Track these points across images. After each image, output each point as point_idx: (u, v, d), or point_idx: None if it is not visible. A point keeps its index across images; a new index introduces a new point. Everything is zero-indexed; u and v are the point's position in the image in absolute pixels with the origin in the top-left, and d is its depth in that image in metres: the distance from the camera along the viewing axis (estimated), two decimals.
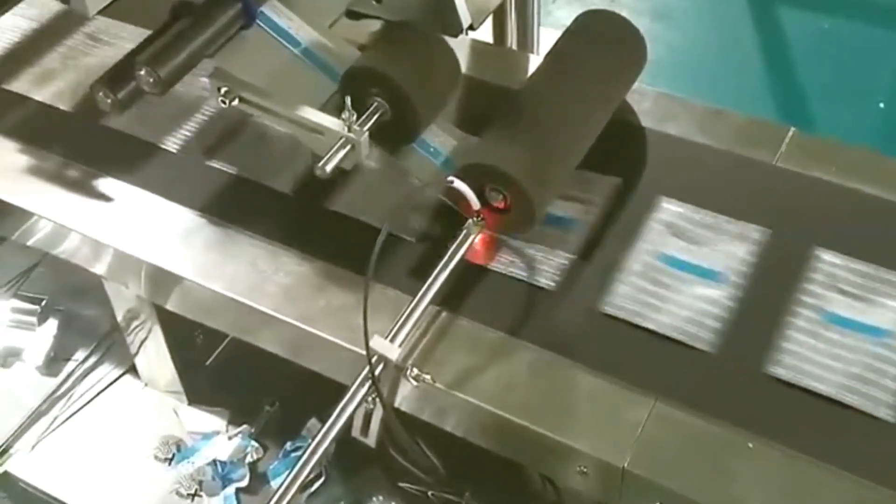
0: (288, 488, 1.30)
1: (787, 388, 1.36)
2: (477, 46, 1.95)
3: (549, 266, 1.52)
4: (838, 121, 3.20)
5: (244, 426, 1.93)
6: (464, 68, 1.67)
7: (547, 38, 2.21)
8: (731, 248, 1.52)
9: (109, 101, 1.53)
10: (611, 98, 1.64)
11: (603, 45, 1.65)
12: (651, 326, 1.43)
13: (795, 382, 1.36)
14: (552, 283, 1.50)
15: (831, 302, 1.45)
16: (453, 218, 1.51)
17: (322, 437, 1.33)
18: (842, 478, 1.26)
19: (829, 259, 1.49)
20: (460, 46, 1.71)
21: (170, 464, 1.91)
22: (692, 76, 3.39)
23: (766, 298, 1.46)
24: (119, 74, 1.52)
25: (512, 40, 2.47)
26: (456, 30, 1.59)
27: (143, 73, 1.46)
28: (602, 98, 1.62)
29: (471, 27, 1.62)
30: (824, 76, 3.45)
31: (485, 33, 2.41)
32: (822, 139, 1.72)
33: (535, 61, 1.68)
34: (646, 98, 1.77)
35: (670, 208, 1.58)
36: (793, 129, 1.70)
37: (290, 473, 1.31)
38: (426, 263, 1.48)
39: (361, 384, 1.36)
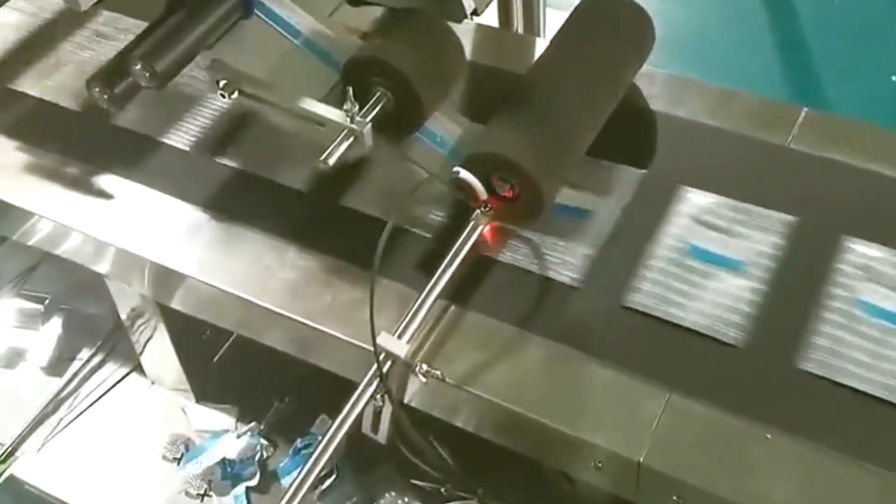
0: (299, 487, 1.28)
1: (818, 382, 1.33)
2: (482, 31, 1.92)
3: (561, 257, 1.49)
4: (851, 96, 3.18)
5: (253, 423, 1.91)
6: (469, 54, 1.65)
7: (554, 20, 2.18)
8: (756, 237, 1.49)
9: (106, 97, 1.50)
10: (619, 81, 1.61)
11: (610, 27, 1.63)
12: (671, 319, 1.41)
13: (828, 377, 1.33)
14: (564, 275, 1.47)
15: (860, 291, 1.42)
16: (461, 209, 1.49)
17: (331, 436, 1.31)
18: (863, 469, 1.24)
19: (857, 248, 1.47)
20: (465, 32, 1.68)
21: (178, 464, 1.88)
22: (702, 55, 3.37)
23: (794, 289, 1.43)
24: (115, 70, 1.50)
25: (518, 24, 2.45)
26: (459, 15, 1.57)
27: (138, 67, 1.43)
28: (610, 81, 1.59)
29: (475, 12, 1.59)
30: (835, 51, 3.43)
31: (490, 17, 2.39)
32: (834, 117, 1.70)
33: (541, 45, 1.65)
34: (655, 81, 1.74)
35: (692, 198, 1.55)
36: (805, 109, 1.66)
37: (300, 472, 1.30)
38: (434, 256, 1.46)
39: (370, 382, 1.34)
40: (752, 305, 1.41)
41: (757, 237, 1.49)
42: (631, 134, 1.65)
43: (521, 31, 2.45)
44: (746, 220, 1.51)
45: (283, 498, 1.27)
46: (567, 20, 1.64)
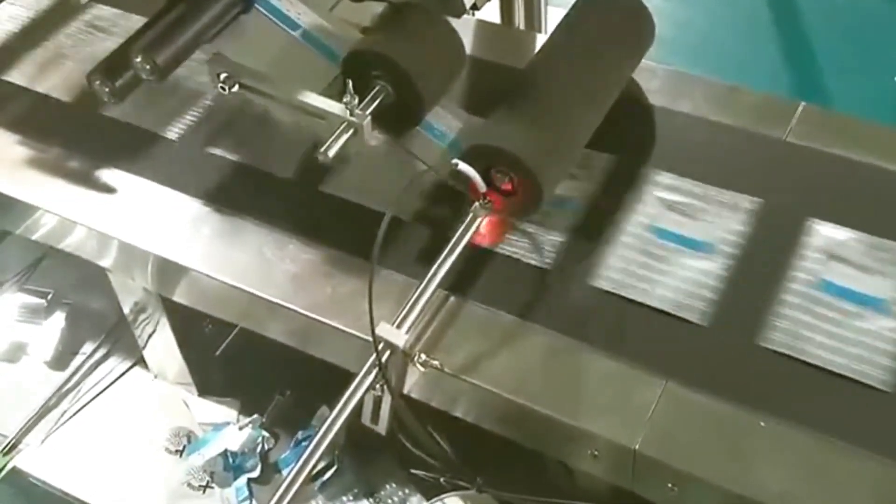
0: (297, 476, 1.29)
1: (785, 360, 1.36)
2: (483, 27, 1.93)
3: (557, 247, 1.50)
4: (852, 96, 3.18)
5: (255, 416, 1.92)
6: (470, 49, 1.66)
7: (555, 17, 2.19)
8: (723, 219, 1.52)
9: (107, 90, 1.51)
10: (618, 75, 1.62)
11: (608, 21, 1.63)
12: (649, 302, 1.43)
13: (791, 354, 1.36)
14: (562, 265, 1.47)
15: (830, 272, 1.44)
16: (461, 201, 1.50)
17: (330, 426, 1.32)
18: (857, 455, 1.25)
19: (824, 231, 1.49)
20: (466, 27, 1.69)
21: (181, 455, 1.89)
22: (705, 54, 3.37)
23: (762, 270, 1.45)
24: (116, 63, 1.51)
25: (519, 20, 2.45)
26: (459, 10, 1.57)
27: (139, 60, 1.44)
28: (609, 75, 1.60)
29: (474, 7, 1.60)
30: (837, 51, 3.43)
31: (492, 14, 2.40)
32: (831, 113, 1.72)
33: (542, 41, 1.66)
34: (655, 76, 1.75)
35: (666, 181, 1.57)
36: (803, 103, 1.67)
37: (298, 461, 1.30)
38: (434, 248, 1.46)
39: (368, 371, 1.35)
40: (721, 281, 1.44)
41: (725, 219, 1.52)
42: (629, 127, 1.66)
43: (522, 27, 2.45)
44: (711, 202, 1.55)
45: (282, 484, 1.27)
46: (566, 15, 1.65)
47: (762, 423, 1.28)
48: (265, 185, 1.65)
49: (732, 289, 1.43)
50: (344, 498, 1.80)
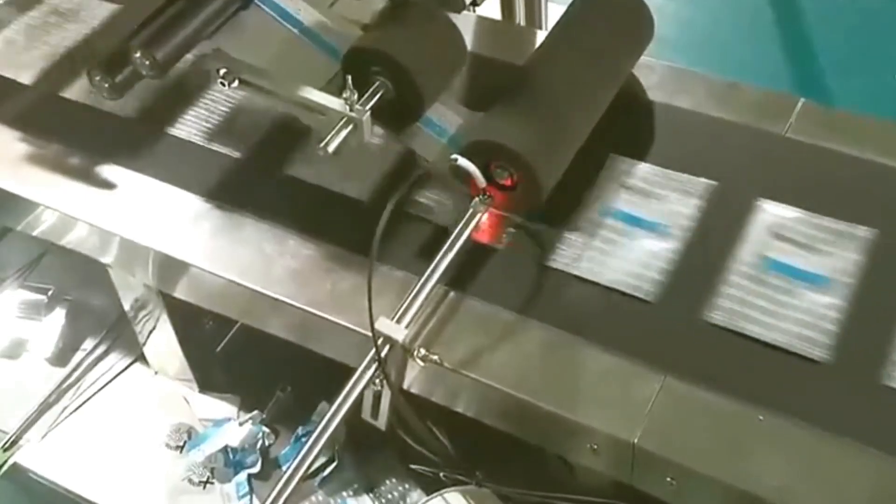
0: (296, 471, 1.29)
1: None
2: (483, 23, 1.93)
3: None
4: (853, 94, 3.18)
5: (255, 412, 1.91)
6: (470, 45, 1.66)
7: (556, 14, 2.20)
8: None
9: (107, 85, 1.52)
10: (617, 71, 1.62)
11: (607, 17, 1.64)
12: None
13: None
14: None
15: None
16: (461, 197, 1.51)
17: (329, 420, 1.32)
18: (857, 449, 1.25)
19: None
20: (467, 23, 1.69)
21: (181, 451, 1.89)
22: (707, 53, 3.37)
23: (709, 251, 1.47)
24: (116, 58, 1.51)
25: (520, 16, 2.46)
26: (458, 6, 1.58)
27: (139, 56, 1.44)
28: (607, 71, 1.60)
29: (474, 3, 1.60)
30: (838, 49, 3.43)
31: (493, 10, 2.40)
32: (829, 109, 1.73)
33: (542, 37, 1.66)
34: (654, 72, 1.75)
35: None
36: (802, 99, 1.68)
37: (297, 456, 1.30)
38: (433, 243, 1.47)
39: (368, 366, 1.35)
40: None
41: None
42: (628, 124, 1.66)
43: (522, 23, 2.46)
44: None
45: (281, 479, 1.28)
46: (566, 11, 1.65)
47: (760, 418, 1.28)
48: (265, 181, 1.65)
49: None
50: (344, 493, 1.79)
